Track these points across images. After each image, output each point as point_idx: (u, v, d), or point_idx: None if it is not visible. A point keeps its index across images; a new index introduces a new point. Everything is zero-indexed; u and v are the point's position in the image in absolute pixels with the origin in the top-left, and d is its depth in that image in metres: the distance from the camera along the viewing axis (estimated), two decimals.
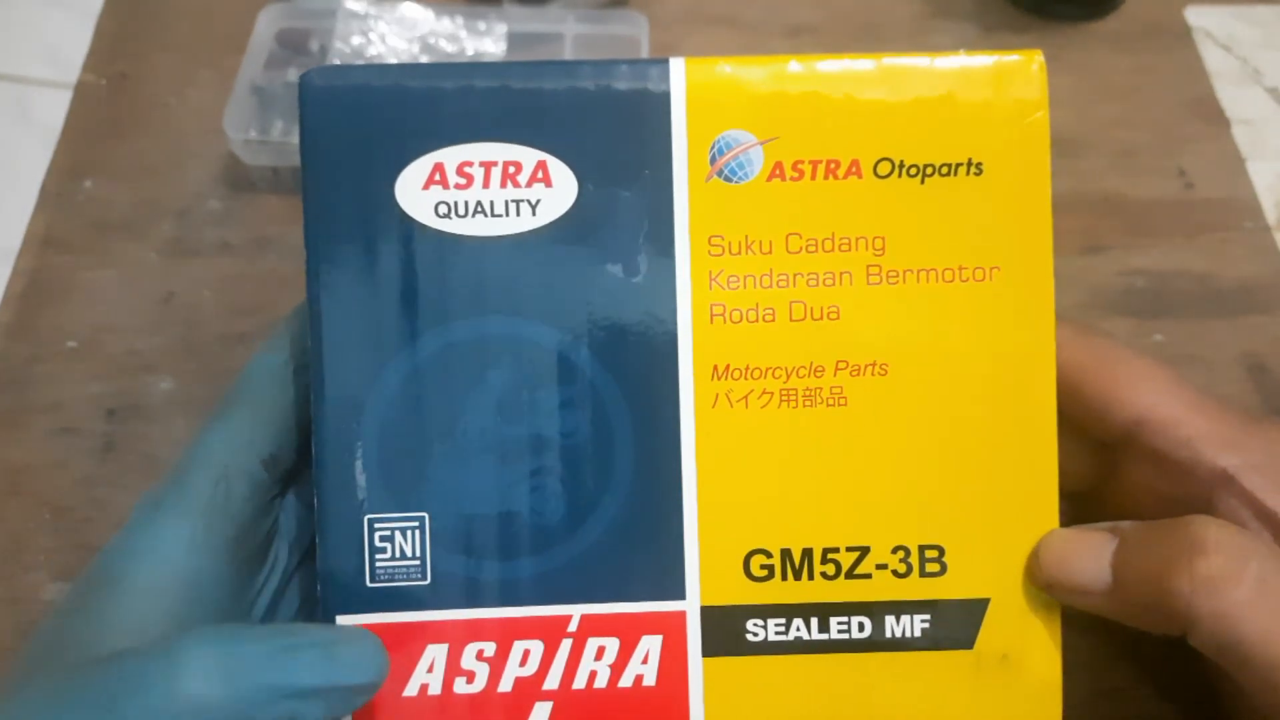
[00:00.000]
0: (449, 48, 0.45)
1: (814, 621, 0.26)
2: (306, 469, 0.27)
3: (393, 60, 0.45)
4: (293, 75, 0.45)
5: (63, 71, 0.48)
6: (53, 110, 0.46)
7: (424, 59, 0.45)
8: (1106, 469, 0.29)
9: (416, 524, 0.26)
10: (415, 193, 0.26)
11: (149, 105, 0.46)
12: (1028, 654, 0.26)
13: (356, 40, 0.45)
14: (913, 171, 0.26)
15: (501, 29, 0.46)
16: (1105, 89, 0.47)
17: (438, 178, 0.26)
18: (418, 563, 0.26)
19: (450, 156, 0.26)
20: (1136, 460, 0.28)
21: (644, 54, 0.44)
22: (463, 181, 0.26)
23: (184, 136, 0.45)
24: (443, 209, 0.26)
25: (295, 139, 0.43)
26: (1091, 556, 0.25)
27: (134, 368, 0.40)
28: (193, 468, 0.25)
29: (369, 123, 0.26)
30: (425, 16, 0.46)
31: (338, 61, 0.44)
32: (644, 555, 0.26)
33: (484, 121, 0.26)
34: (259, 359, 0.27)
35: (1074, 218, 0.43)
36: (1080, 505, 0.29)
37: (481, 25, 0.46)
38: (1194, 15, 0.50)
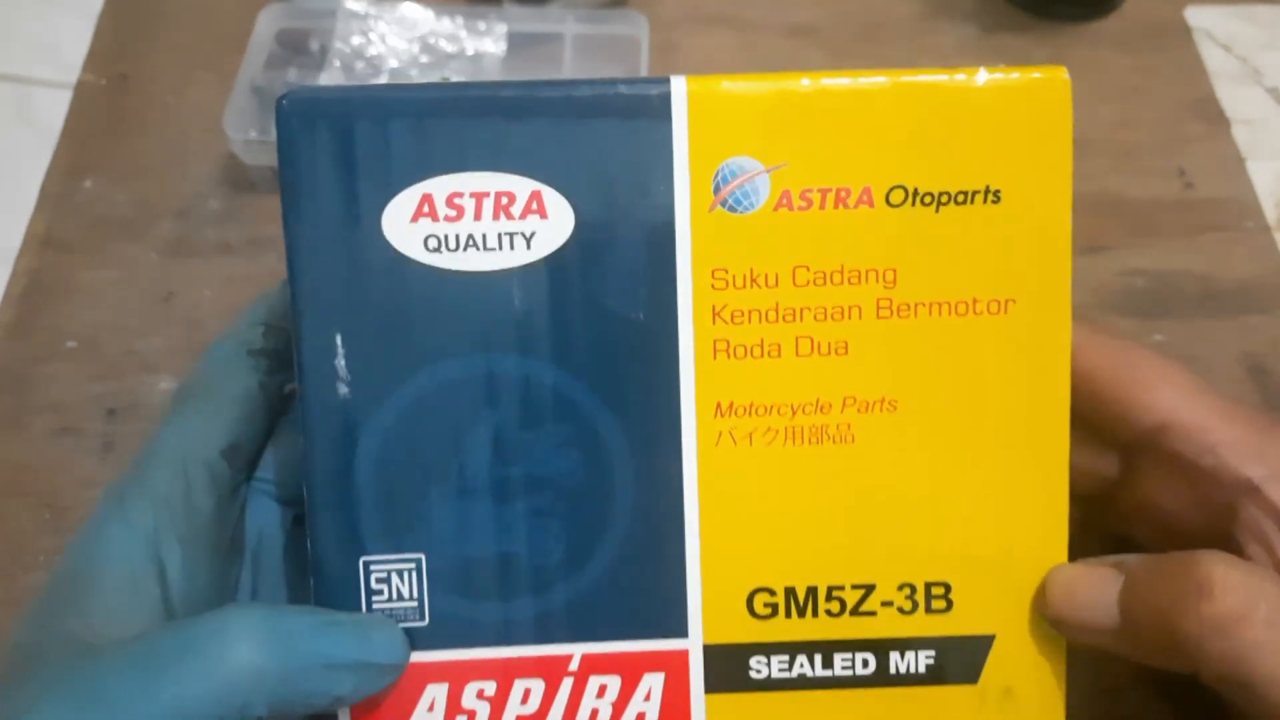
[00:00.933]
0: (449, 48, 0.45)
1: (818, 658, 0.26)
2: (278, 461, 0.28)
3: (393, 61, 0.45)
4: (293, 75, 0.44)
5: (63, 71, 0.48)
6: (53, 110, 0.46)
7: (424, 59, 0.45)
8: (1124, 472, 0.29)
9: (413, 565, 0.25)
10: (404, 226, 0.24)
11: (149, 105, 0.46)
12: (1031, 688, 0.26)
13: (356, 40, 0.45)
14: (927, 200, 0.25)
15: (501, 29, 0.45)
16: (1105, 89, 0.47)
17: (426, 210, 0.24)
18: (415, 604, 0.25)
19: (439, 187, 0.24)
20: (1157, 464, 0.27)
21: (644, 54, 0.44)
22: (453, 214, 0.24)
23: (184, 136, 0.45)
24: (432, 243, 0.24)
25: None
26: (1098, 594, 0.25)
27: (134, 368, 0.40)
28: (152, 461, 0.25)
29: (352, 151, 0.24)
30: (425, 16, 0.46)
31: (337, 63, 0.44)
32: (645, 594, 0.25)
33: (474, 150, 0.24)
34: (213, 349, 0.27)
35: (1074, 218, 0.43)
36: (1097, 509, 0.29)
37: (481, 25, 0.46)
38: (1194, 15, 0.50)
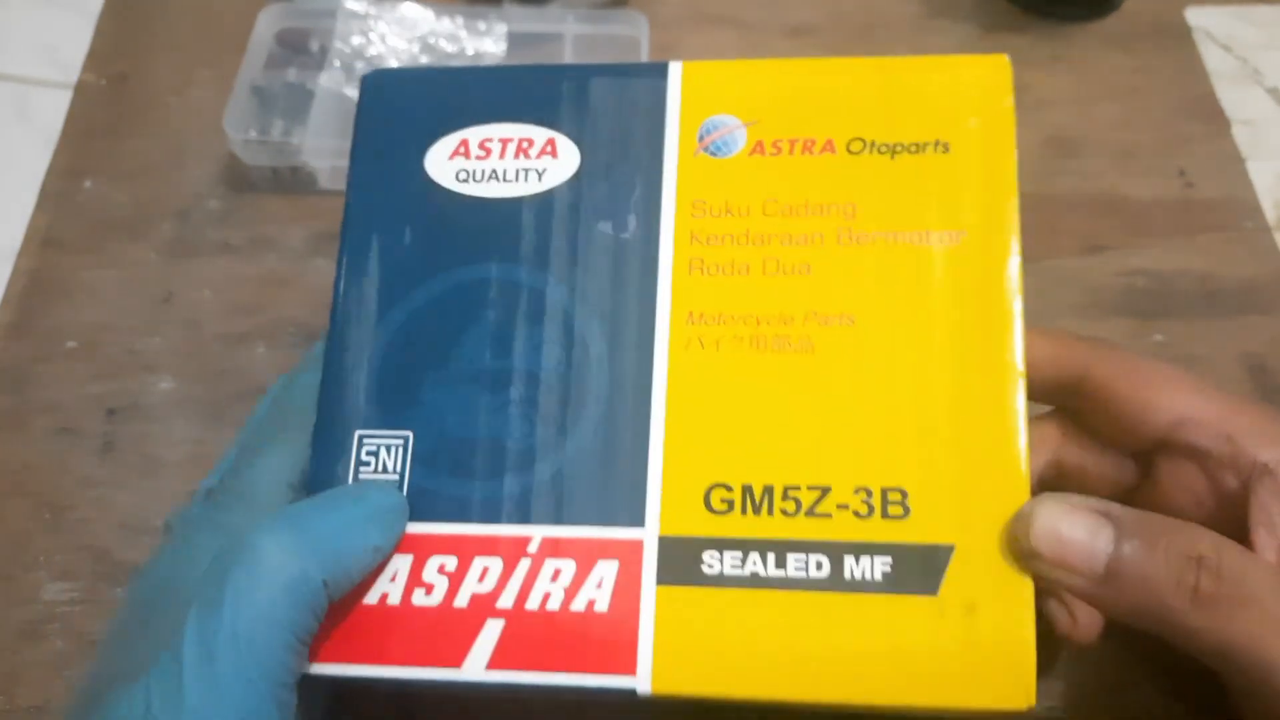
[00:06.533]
0: (449, 48, 0.45)
1: (770, 557, 0.26)
2: None
3: (393, 61, 0.45)
4: (293, 75, 0.45)
5: (63, 71, 0.48)
6: (53, 110, 0.47)
7: (424, 59, 0.45)
8: (1141, 477, 0.30)
9: (400, 442, 0.28)
10: (442, 162, 0.30)
11: (149, 105, 0.47)
12: (997, 607, 0.26)
13: (356, 40, 0.45)
14: (883, 149, 0.28)
15: (501, 29, 0.46)
16: (1105, 89, 0.47)
17: (461, 150, 0.30)
18: (396, 477, 0.28)
19: (474, 134, 0.30)
20: (1173, 461, 0.29)
21: (644, 54, 0.45)
22: (482, 154, 0.30)
23: (184, 136, 0.46)
24: (462, 175, 0.30)
25: (294, 139, 0.44)
26: (1085, 542, 0.25)
27: (134, 368, 0.40)
28: (252, 480, 0.28)
29: (409, 108, 0.30)
30: (425, 16, 0.46)
31: (337, 63, 0.45)
32: (608, 482, 0.27)
33: (506, 107, 0.30)
34: (299, 377, 0.30)
35: (1074, 218, 0.43)
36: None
37: (481, 25, 0.46)
38: (1194, 15, 0.50)
